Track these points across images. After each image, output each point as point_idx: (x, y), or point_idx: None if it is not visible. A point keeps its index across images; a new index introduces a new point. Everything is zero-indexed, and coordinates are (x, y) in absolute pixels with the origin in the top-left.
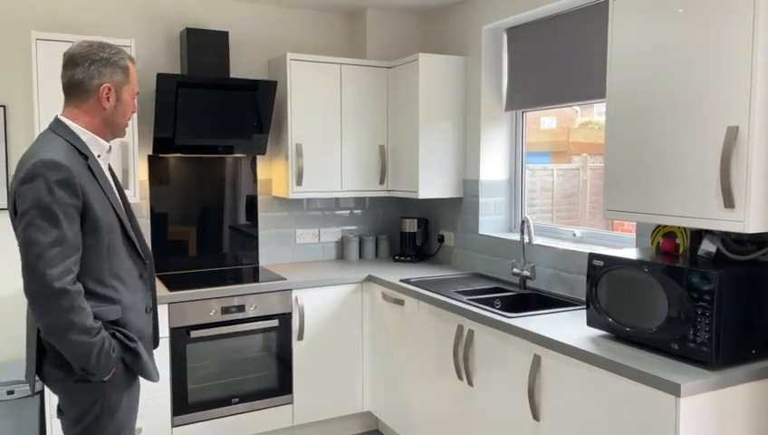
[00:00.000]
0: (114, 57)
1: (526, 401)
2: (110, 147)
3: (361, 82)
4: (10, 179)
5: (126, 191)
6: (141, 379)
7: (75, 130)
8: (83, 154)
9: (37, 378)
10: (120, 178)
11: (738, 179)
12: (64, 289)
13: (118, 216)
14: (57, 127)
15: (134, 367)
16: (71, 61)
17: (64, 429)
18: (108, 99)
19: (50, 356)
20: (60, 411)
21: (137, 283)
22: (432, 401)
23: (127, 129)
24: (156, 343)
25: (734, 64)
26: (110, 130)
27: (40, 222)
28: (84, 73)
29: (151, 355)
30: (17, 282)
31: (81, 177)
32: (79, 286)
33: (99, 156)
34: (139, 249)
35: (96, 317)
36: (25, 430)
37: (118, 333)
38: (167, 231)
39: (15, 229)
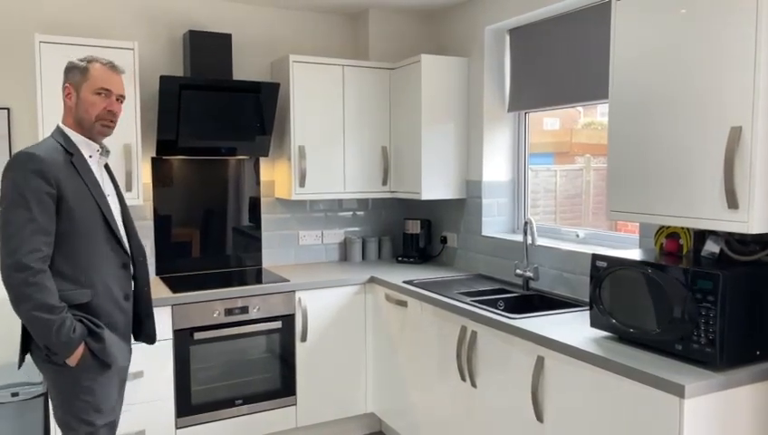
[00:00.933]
0: (76, 62)
1: (529, 403)
2: (103, 148)
3: (364, 84)
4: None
5: (129, 193)
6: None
7: (66, 132)
8: (69, 152)
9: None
10: (123, 180)
11: (742, 180)
12: (28, 266)
13: (100, 208)
14: (55, 130)
15: (96, 352)
16: None
17: (52, 410)
18: (69, 97)
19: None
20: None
21: (117, 271)
22: (435, 402)
23: (108, 128)
24: (150, 338)
25: (736, 64)
26: (82, 127)
27: (14, 206)
28: (63, 82)
29: (126, 341)
30: None
31: (58, 169)
32: (43, 266)
33: (90, 156)
34: (122, 241)
35: (65, 299)
36: (30, 432)
37: (84, 319)
38: (170, 233)
39: None
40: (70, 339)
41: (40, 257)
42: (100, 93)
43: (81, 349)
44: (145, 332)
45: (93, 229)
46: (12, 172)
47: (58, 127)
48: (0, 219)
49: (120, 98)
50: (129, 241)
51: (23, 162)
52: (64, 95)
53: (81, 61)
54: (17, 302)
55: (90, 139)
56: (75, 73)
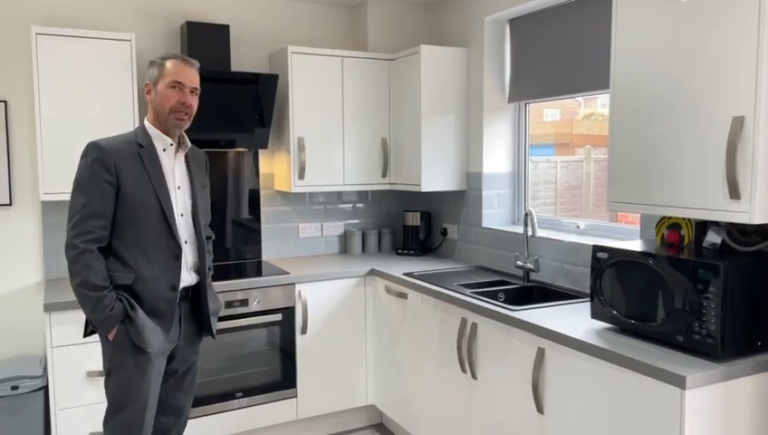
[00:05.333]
0: (154, 59)
1: (530, 394)
2: (174, 142)
3: (363, 75)
4: (12, 174)
5: None
6: (180, 360)
7: (146, 126)
8: (140, 144)
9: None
10: None
11: (744, 170)
12: (77, 245)
13: (159, 199)
14: (139, 125)
15: (131, 332)
16: None
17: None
18: (148, 93)
19: None
20: None
21: (168, 261)
22: (436, 394)
23: (182, 121)
24: (209, 332)
25: (739, 54)
26: (159, 120)
27: (76, 190)
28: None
29: (166, 330)
30: (18, 281)
31: (120, 158)
32: (91, 246)
33: (164, 150)
34: (176, 233)
35: (112, 279)
36: (30, 425)
37: (124, 299)
38: None
39: None
40: (106, 316)
41: (90, 239)
42: (174, 87)
43: (118, 327)
44: (206, 327)
45: (148, 218)
46: (81, 160)
47: (142, 121)
48: (69, 201)
49: (195, 90)
50: (196, 236)
51: (87, 151)
52: (146, 92)
53: (158, 58)
54: (70, 276)
55: (166, 132)
56: (153, 70)
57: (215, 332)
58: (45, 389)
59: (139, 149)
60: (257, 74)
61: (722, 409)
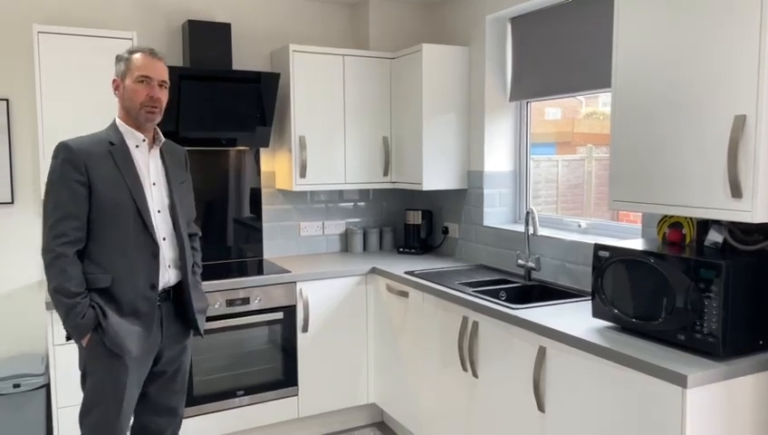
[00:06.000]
0: (120, 54)
1: (531, 393)
2: (147, 138)
3: (364, 74)
4: (14, 172)
5: None
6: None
7: (116, 123)
8: (111, 142)
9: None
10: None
11: (745, 169)
12: (52, 249)
13: (133, 197)
14: (111, 123)
15: (105, 340)
16: None
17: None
18: (117, 89)
19: None
20: None
21: (146, 260)
22: (437, 392)
23: (153, 114)
24: (196, 331)
25: (741, 52)
26: (129, 116)
27: (48, 192)
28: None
29: (148, 330)
30: (20, 279)
31: (90, 158)
32: (66, 250)
33: (137, 146)
34: (153, 231)
35: (89, 282)
36: (32, 423)
37: (96, 307)
38: None
39: None
40: (77, 324)
41: (66, 242)
42: (142, 81)
43: (91, 334)
44: (193, 326)
45: (123, 217)
46: (51, 161)
47: (113, 119)
48: (42, 205)
49: (163, 84)
50: (177, 232)
51: (57, 152)
52: (113, 88)
53: (125, 53)
54: (47, 281)
55: (138, 128)
56: (120, 65)
57: (202, 330)
58: (47, 387)
59: (110, 148)
60: (259, 73)
61: (723, 407)
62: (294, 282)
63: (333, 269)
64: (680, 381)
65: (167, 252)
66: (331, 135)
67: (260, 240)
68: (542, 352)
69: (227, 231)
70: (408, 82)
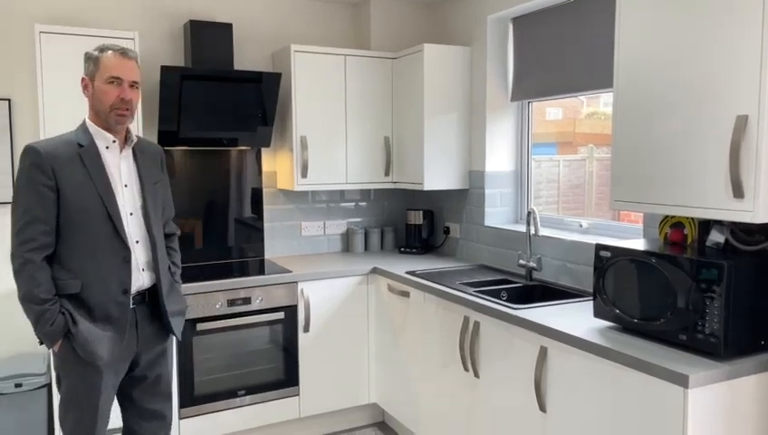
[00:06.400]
0: (90, 52)
1: (533, 393)
2: (118, 139)
3: (366, 74)
4: (15, 172)
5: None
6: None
7: (86, 124)
8: (80, 144)
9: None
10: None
11: (747, 169)
12: (21, 256)
13: (102, 199)
14: (80, 123)
15: (75, 347)
16: None
17: None
18: (86, 88)
19: None
20: None
21: (117, 264)
22: (438, 392)
23: (123, 117)
24: (168, 329)
25: (743, 52)
26: (99, 117)
27: (16, 197)
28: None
29: (121, 336)
30: None
31: (57, 161)
32: (34, 256)
33: (107, 147)
34: (123, 234)
35: (59, 288)
36: (33, 422)
37: (66, 313)
38: None
39: None
40: (47, 331)
41: (34, 248)
42: (112, 82)
43: (62, 340)
44: (169, 329)
45: (92, 221)
46: (19, 165)
47: (83, 119)
48: (11, 210)
49: (135, 84)
50: (150, 235)
51: (23, 156)
52: (82, 88)
53: (94, 51)
54: (16, 287)
55: (108, 129)
56: (89, 65)
57: (178, 333)
58: (49, 386)
59: (78, 150)
60: (260, 73)
61: (725, 408)
62: (296, 282)
63: (335, 269)
64: (682, 381)
65: (140, 254)
66: (333, 135)
67: (261, 240)
68: (543, 353)
69: (229, 231)
70: (410, 82)
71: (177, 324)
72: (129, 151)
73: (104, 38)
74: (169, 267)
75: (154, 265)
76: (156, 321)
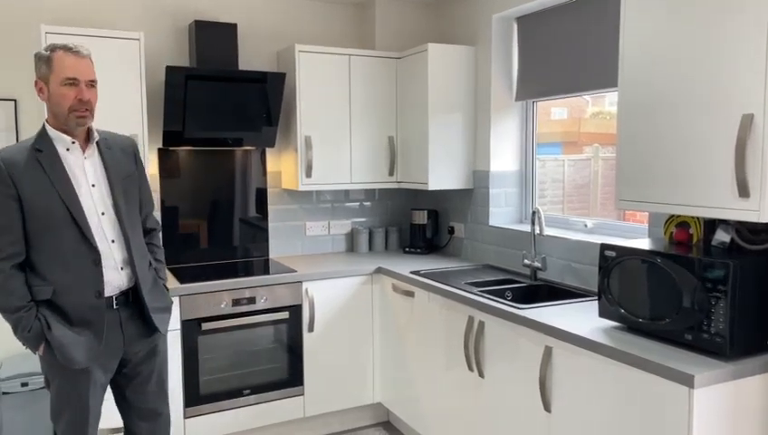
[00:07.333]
0: (41, 52)
1: (537, 393)
2: (78, 140)
3: (370, 73)
4: None
5: None
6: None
7: (45, 128)
8: (38, 149)
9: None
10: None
11: (753, 168)
12: None
13: (65, 203)
14: (41, 128)
15: (54, 352)
16: None
17: None
18: (41, 92)
19: None
20: None
21: (88, 268)
22: (443, 392)
23: (84, 118)
24: (151, 328)
25: (748, 51)
26: (58, 120)
27: None
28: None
29: (97, 338)
30: None
31: (16, 168)
32: (3, 266)
33: (67, 149)
34: (90, 237)
35: (33, 294)
36: (39, 421)
37: (42, 319)
38: (177, 224)
39: None
40: (26, 337)
41: (2, 258)
42: (68, 84)
43: (44, 345)
44: (152, 327)
45: (57, 226)
46: None
47: (43, 123)
48: None
49: (90, 83)
50: (123, 233)
51: None
52: (37, 91)
53: (45, 50)
54: None
55: (68, 131)
56: (41, 66)
57: (163, 329)
58: None
59: (37, 155)
60: (265, 73)
61: (730, 408)
62: (300, 281)
63: (339, 269)
64: (687, 381)
65: (117, 254)
66: (337, 135)
67: (266, 240)
68: (548, 352)
69: (233, 231)
70: (414, 82)
71: (162, 321)
72: (93, 150)
73: (110, 38)
74: (150, 263)
75: (132, 264)
76: (141, 319)
